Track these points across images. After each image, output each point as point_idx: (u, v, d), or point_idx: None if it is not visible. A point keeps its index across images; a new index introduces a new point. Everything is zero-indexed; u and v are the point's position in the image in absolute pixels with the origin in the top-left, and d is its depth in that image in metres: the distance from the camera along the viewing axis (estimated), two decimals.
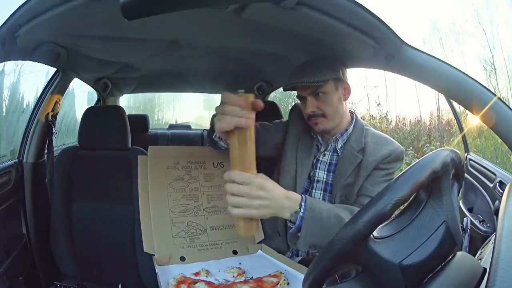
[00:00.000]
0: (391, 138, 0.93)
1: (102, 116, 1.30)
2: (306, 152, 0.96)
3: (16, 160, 1.27)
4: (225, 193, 0.61)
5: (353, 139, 0.91)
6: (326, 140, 0.96)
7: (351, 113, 0.97)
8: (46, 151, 1.35)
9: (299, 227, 0.69)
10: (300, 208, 0.68)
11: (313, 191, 0.95)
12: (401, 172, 0.44)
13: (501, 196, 0.60)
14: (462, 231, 0.74)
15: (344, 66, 0.92)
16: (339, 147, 0.93)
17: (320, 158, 0.95)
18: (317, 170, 0.95)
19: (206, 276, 0.81)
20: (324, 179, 0.94)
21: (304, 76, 0.85)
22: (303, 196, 0.70)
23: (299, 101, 0.98)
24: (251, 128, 0.57)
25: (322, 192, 0.94)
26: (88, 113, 1.28)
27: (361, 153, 0.89)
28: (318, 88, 0.86)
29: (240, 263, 0.88)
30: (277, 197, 0.65)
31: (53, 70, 1.30)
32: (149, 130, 2.53)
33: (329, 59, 0.89)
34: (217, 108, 0.57)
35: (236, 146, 0.58)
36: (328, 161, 0.94)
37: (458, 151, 0.49)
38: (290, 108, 1.09)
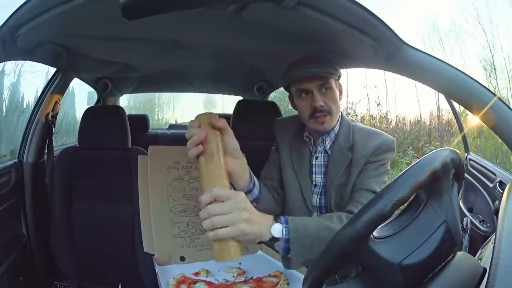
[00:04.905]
0: (379, 131, 0.91)
1: (102, 116, 1.30)
2: (301, 161, 0.93)
3: (16, 160, 1.27)
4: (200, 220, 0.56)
5: (341, 137, 0.89)
6: (315, 142, 0.93)
7: None
8: (46, 151, 1.35)
9: (285, 249, 0.63)
10: (279, 223, 0.64)
11: (312, 195, 0.93)
12: (401, 172, 0.44)
13: (501, 196, 0.60)
14: (462, 231, 0.74)
15: (339, 68, 0.90)
16: (328, 147, 0.90)
17: (313, 162, 0.93)
18: (314, 175, 0.93)
19: (206, 276, 0.81)
20: (320, 183, 0.92)
21: (312, 66, 0.81)
22: (281, 217, 0.65)
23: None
24: (211, 143, 0.59)
25: (318, 196, 0.92)
26: (88, 113, 1.29)
27: (350, 150, 0.86)
28: (326, 80, 0.83)
29: (240, 263, 0.88)
30: (256, 211, 0.61)
31: (53, 70, 1.30)
32: (149, 130, 2.53)
33: (330, 58, 0.88)
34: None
35: (204, 164, 0.58)
36: (321, 163, 0.92)
37: (458, 151, 0.49)
38: (288, 106, 1.07)
